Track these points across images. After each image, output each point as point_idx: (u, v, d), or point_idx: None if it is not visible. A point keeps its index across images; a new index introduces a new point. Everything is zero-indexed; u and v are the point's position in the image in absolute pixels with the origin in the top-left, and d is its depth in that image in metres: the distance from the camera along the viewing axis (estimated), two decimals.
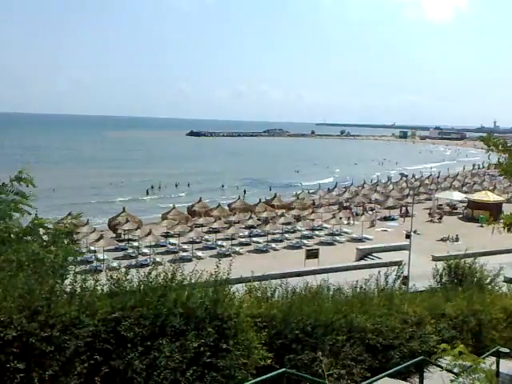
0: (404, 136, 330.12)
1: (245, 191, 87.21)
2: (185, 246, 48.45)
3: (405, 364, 9.52)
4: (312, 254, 43.04)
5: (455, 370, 7.09)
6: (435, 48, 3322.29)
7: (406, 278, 27.06)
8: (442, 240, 51.73)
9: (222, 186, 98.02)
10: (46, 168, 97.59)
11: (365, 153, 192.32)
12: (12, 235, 9.08)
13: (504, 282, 23.60)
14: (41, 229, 10.02)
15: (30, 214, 9.93)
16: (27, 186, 9.86)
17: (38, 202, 10.72)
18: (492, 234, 12.31)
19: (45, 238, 9.90)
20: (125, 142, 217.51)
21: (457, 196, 71.39)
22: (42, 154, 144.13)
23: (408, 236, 39.84)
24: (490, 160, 12.61)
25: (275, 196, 68.56)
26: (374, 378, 8.29)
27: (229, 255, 43.21)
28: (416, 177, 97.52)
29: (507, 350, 10.22)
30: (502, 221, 13.11)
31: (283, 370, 7.00)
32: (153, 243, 46.51)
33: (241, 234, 53.64)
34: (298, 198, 69.55)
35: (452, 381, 7.61)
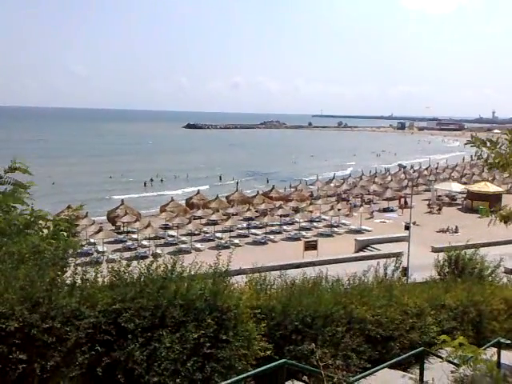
0: (402, 127, 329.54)
1: (237, 183, 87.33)
2: (183, 238, 48.55)
3: (405, 355, 9.55)
4: (310, 246, 43.12)
5: (456, 361, 7.11)
6: (433, 38, 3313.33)
7: (406, 269, 27.11)
8: (441, 231, 51.83)
9: (220, 179, 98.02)
10: (46, 162, 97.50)
11: (363, 144, 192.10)
12: (11, 227, 9.06)
13: (504, 273, 23.67)
14: (41, 221, 10.00)
15: (30, 205, 9.91)
16: (24, 173, 9.82)
17: (38, 197, 10.70)
18: (488, 226, 12.25)
19: (45, 231, 9.88)
20: (122, 135, 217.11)
21: (456, 187, 71.35)
22: (41, 147, 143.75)
23: (407, 227, 39.87)
24: (481, 157, 12.57)
25: (273, 188, 68.54)
26: (374, 369, 8.32)
27: (227, 247, 43.31)
28: (415, 168, 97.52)
29: (508, 341, 10.24)
30: (500, 212, 13.10)
31: (283, 360, 7.00)
32: (152, 235, 46.57)
33: (239, 225, 53.78)
34: (296, 190, 69.57)
35: (452, 372, 7.64)
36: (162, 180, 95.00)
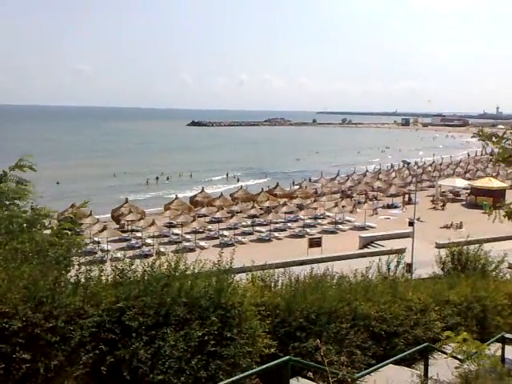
0: (406, 123, 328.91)
1: (238, 179, 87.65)
2: (188, 236, 48.61)
3: (409, 351, 9.53)
4: (315, 243, 43.09)
5: (460, 357, 7.10)
6: (438, 35, 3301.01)
7: (410, 265, 27.08)
8: (445, 227, 51.69)
9: (227, 176, 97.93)
10: (50, 161, 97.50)
11: (368, 141, 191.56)
12: (14, 225, 9.07)
13: (508, 268, 23.59)
14: (44, 220, 10.01)
15: (31, 203, 9.93)
16: (34, 170, 9.85)
17: (42, 197, 10.72)
18: (493, 222, 12.15)
19: (48, 230, 9.89)
20: (127, 134, 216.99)
21: (460, 183, 71.21)
22: (44, 145, 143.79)
23: (411, 223, 39.84)
24: (486, 151, 12.45)
25: (277, 185, 68.52)
26: (378, 365, 8.30)
27: (232, 245, 43.33)
28: (419, 164, 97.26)
29: None
30: (503, 208, 13.04)
31: (287, 357, 6.98)
32: (156, 233, 46.58)
33: (243, 223, 53.68)
34: (300, 187, 69.55)
35: (457, 367, 7.62)
36: (167, 178, 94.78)
